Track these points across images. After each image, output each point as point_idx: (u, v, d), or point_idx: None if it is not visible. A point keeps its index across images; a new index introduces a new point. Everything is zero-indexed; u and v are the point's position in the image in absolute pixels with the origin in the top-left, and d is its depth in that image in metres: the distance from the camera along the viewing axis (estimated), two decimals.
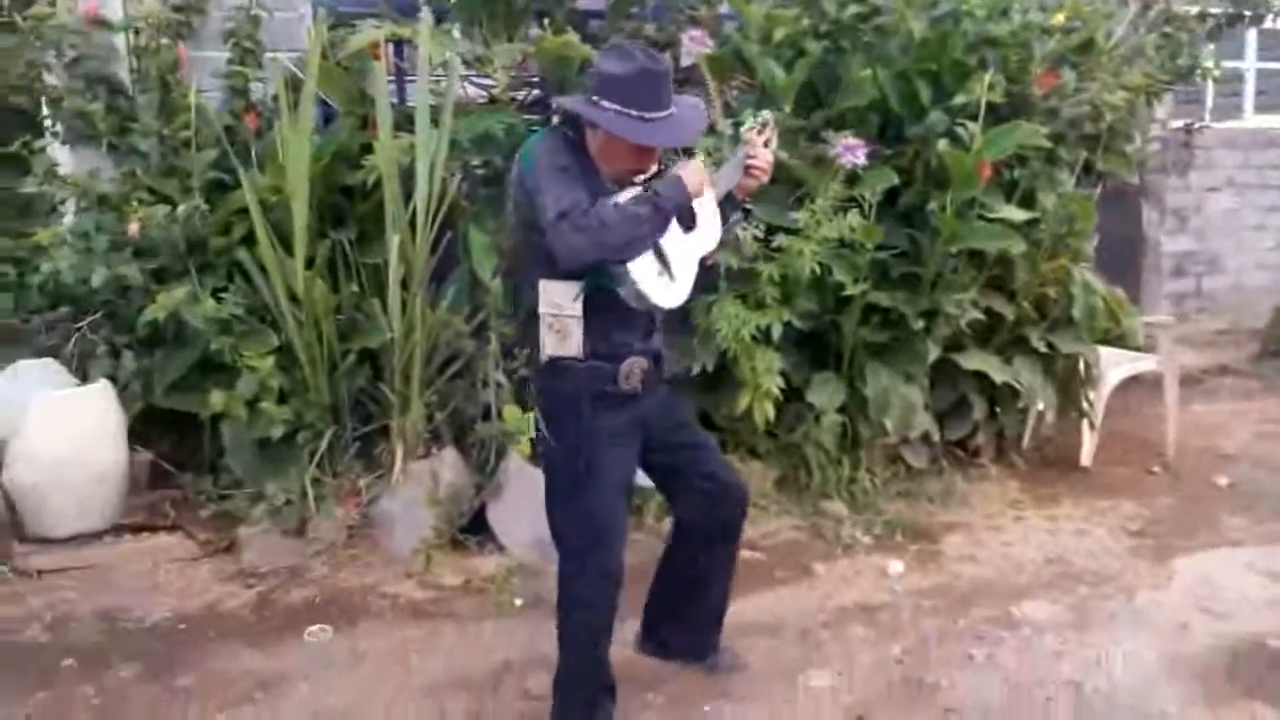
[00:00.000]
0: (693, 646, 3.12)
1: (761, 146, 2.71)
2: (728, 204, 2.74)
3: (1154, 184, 6.67)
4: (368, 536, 4.03)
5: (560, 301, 2.50)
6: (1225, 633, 3.37)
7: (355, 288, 4.18)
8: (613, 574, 2.69)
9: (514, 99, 4.59)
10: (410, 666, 3.27)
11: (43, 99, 4.27)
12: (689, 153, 3.07)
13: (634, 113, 2.41)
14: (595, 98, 2.44)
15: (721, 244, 2.78)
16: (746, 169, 2.70)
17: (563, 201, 2.36)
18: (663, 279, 2.53)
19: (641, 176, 2.55)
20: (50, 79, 4.24)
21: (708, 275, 2.85)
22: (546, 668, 3.20)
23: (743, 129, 2.75)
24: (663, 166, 2.62)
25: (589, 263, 2.41)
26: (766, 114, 2.76)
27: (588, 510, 2.65)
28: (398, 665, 3.28)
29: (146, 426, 4.28)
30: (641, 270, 2.48)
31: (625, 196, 2.46)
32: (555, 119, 2.65)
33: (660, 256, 2.52)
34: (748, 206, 2.95)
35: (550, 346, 2.54)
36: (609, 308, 2.52)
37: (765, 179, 2.73)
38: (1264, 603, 3.57)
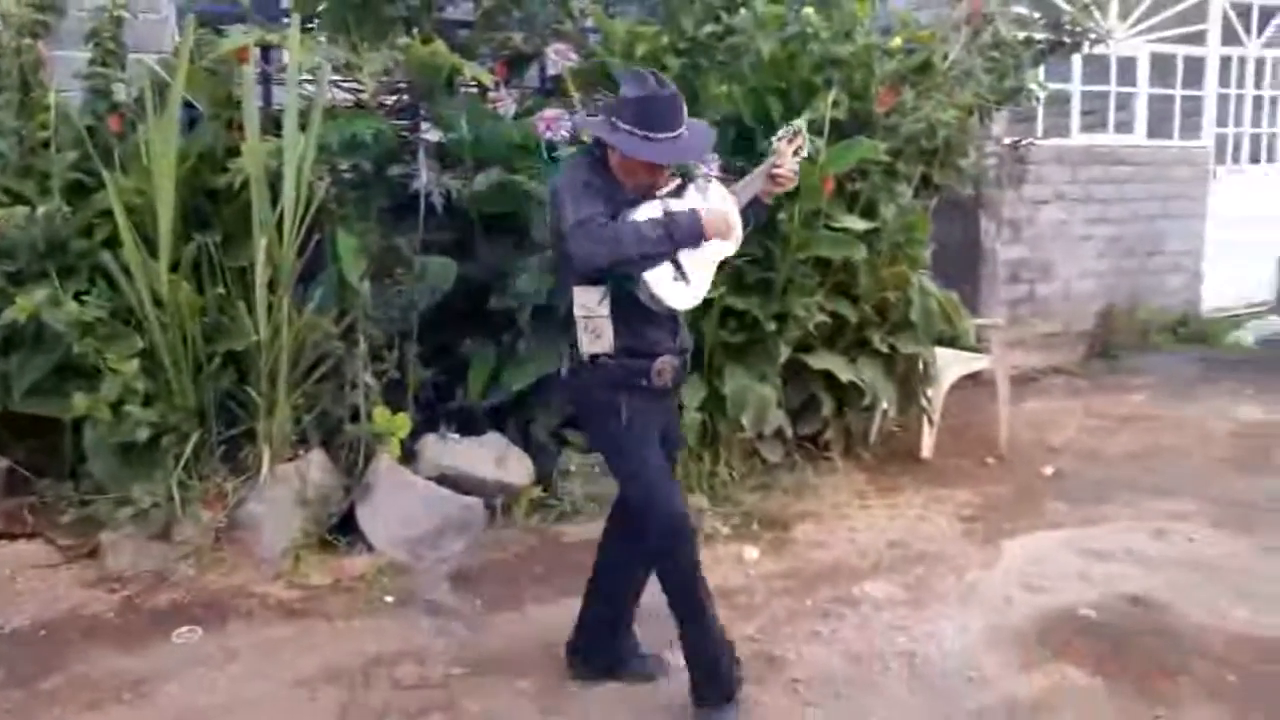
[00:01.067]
0: (612, 654, 3.20)
1: (790, 155, 2.95)
2: (751, 209, 2.99)
3: (991, 196, 7.13)
4: (235, 539, 4.03)
5: (589, 304, 2.77)
6: (1042, 604, 3.72)
7: (221, 290, 4.19)
8: (678, 512, 2.88)
9: (382, 105, 4.67)
10: (281, 662, 3.33)
11: None
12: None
13: (642, 133, 2.68)
14: (614, 119, 2.74)
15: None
16: (772, 176, 2.95)
17: (581, 212, 2.66)
18: (678, 284, 2.78)
19: (663, 190, 2.82)
20: None
21: None
22: (416, 659, 3.34)
23: (774, 139, 2.98)
24: (681, 179, 2.87)
25: (600, 267, 2.68)
26: (799, 123, 3.00)
27: (640, 475, 2.87)
28: (268, 662, 3.34)
29: (2, 432, 4.20)
30: (657, 276, 2.74)
31: (644, 211, 2.73)
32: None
33: (676, 264, 2.76)
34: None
35: (586, 345, 2.80)
36: (637, 309, 2.78)
37: (790, 185, 2.99)
38: (1076, 577, 3.94)
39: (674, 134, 2.72)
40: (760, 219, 3.13)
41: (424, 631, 3.56)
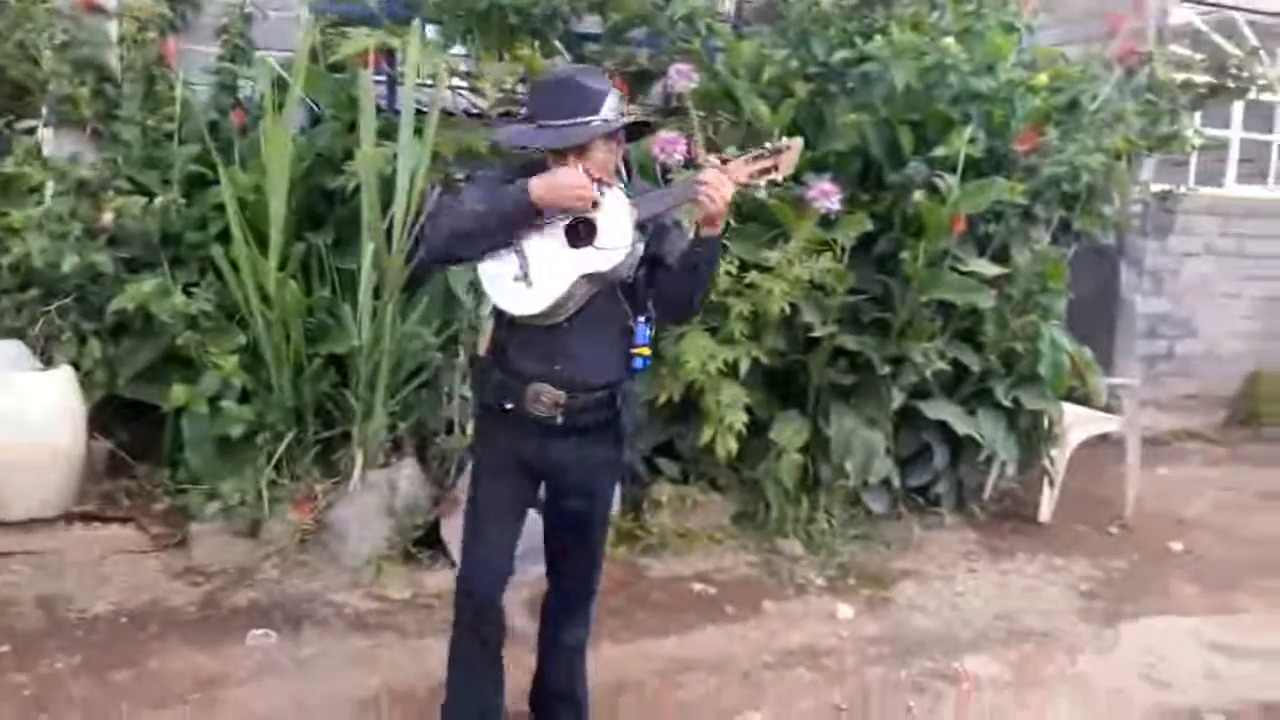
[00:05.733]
0: None
1: (744, 175, 2.35)
2: (687, 239, 2.43)
3: (1133, 245, 6.72)
4: (320, 543, 4.00)
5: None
6: (1162, 702, 3.38)
7: (327, 292, 4.17)
8: (477, 588, 2.56)
9: (505, 115, 4.61)
10: (348, 678, 3.26)
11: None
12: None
13: (531, 123, 2.37)
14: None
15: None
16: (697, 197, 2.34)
17: (441, 202, 2.44)
18: (518, 284, 2.37)
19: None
20: (42, 62, 4.23)
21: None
22: None
23: (760, 148, 2.39)
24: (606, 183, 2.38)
25: (433, 253, 2.45)
26: (796, 141, 2.39)
27: (466, 523, 2.59)
28: (336, 675, 3.27)
29: (108, 414, 4.26)
30: (494, 272, 2.39)
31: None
32: None
33: (522, 261, 2.38)
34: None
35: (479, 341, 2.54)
36: (513, 321, 2.43)
37: (713, 208, 2.29)
38: (1203, 674, 3.59)
39: (565, 122, 2.29)
40: (706, 255, 2.39)
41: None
